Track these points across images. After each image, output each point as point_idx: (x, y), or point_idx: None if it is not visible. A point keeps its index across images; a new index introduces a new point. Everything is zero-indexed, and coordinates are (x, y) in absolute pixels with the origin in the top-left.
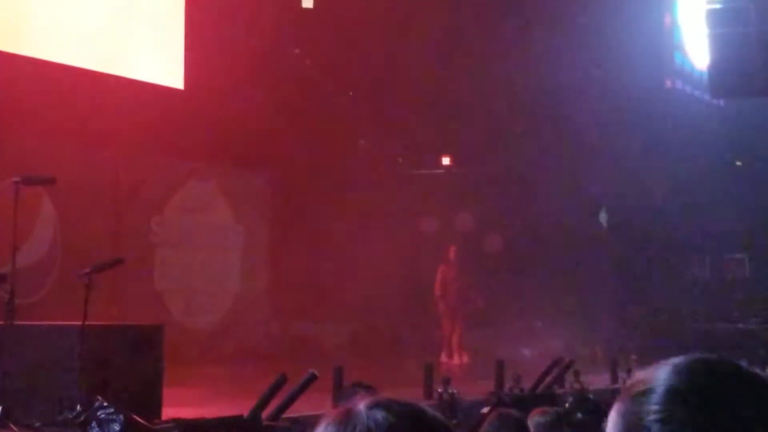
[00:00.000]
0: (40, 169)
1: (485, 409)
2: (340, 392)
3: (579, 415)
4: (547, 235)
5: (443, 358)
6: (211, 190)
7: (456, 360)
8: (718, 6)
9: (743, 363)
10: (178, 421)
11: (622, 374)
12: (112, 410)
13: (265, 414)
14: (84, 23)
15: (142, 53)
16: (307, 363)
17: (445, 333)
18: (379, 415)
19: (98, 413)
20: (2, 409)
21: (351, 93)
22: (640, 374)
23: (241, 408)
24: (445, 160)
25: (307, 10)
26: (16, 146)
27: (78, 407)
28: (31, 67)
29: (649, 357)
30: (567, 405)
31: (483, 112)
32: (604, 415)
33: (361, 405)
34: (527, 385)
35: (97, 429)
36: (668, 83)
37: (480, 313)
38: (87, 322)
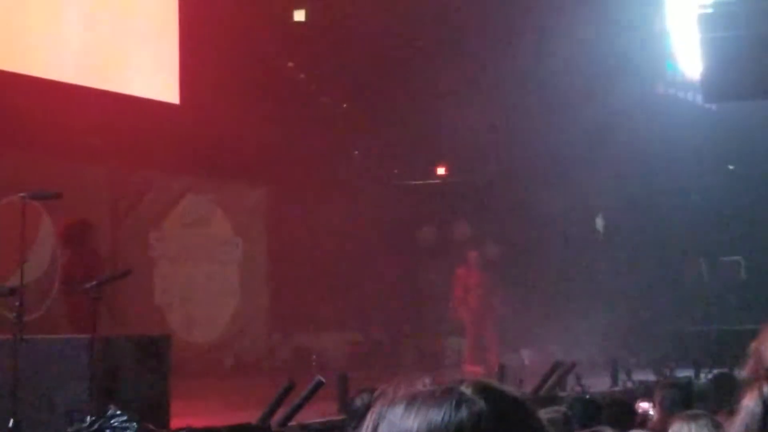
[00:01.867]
0: (39, 186)
1: None
2: (350, 399)
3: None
4: (544, 242)
5: (468, 366)
6: (208, 203)
7: (481, 369)
8: (710, 10)
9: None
10: (188, 430)
11: (622, 377)
12: (125, 418)
13: (273, 421)
14: (80, 40)
15: (138, 69)
16: (309, 374)
17: (469, 341)
18: (481, 398)
19: (111, 421)
20: (13, 421)
21: (345, 105)
22: None
23: (246, 419)
24: (440, 170)
25: (299, 23)
26: (13, 163)
27: (88, 418)
28: (27, 85)
29: (648, 360)
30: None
31: (477, 121)
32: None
33: (464, 386)
34: (529, 388)
35: None
36: (660, 89)
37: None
38: (95, 334)
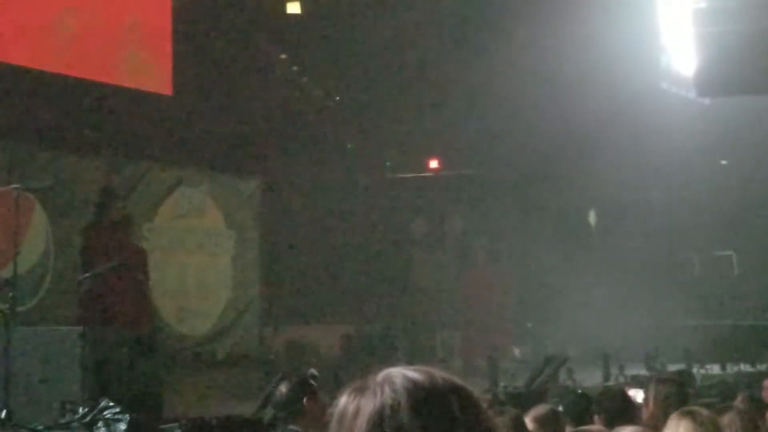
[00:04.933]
0: (32, 177)
1: None
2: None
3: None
4: (537, 235)
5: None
6: (201, 195)
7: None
8: (704, 5)
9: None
10: (181, 421)
11: (614, 371)
12: (118, 410)
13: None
14: (71, 30)
15: (131, 60)
16: (301, 367)
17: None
18: (390, 381)
19: (104, 413)
20: (6, 412)
21: (338, 97)
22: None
23: (238, 411)
24: (433, 164)
25: (292, 15)
26: (7, 154)
27: (80, 409)
28: (21, 75)
29: (639, 354)
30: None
31: (471, 114)
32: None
33: (377, 376)
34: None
35: (103, 429)
36: (654, 83)
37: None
38: (88, 326)
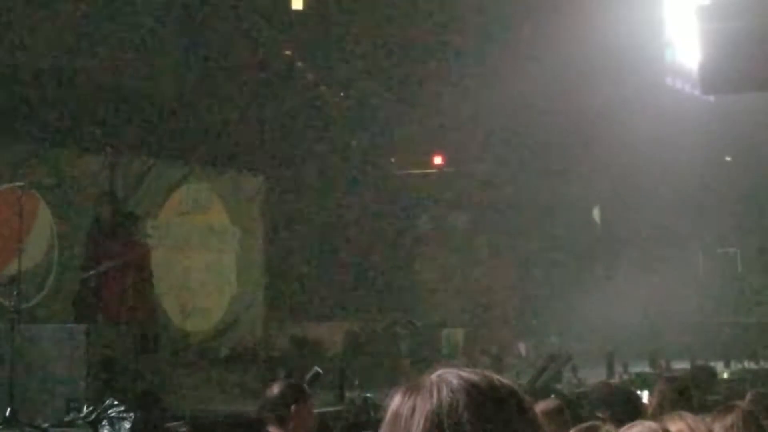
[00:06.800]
0: (36, 174)
1: None
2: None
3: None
4: (541, 232)
5: None
6: (206, 192)
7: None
8: (708, 1)
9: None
10: (185, 419)
11: (618, 369)
12: (122, 409)
13: None
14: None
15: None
16: (305, 363)
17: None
18: (447, 381)
19: (109, 411)
20: (10, 410)
21: (342, 94)
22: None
23: (242, 408)
24: (437, 160)
25: (297, 11)
26: (11, 151)
27: (85, 407)
28: (25, 72)
29: (643, 351)
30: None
31: (475, 111)
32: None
33: (432, 375)
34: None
35: (108, 427)
36: (659, 80)
37: None
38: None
